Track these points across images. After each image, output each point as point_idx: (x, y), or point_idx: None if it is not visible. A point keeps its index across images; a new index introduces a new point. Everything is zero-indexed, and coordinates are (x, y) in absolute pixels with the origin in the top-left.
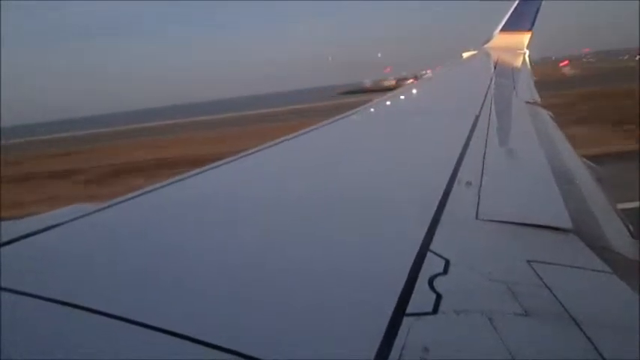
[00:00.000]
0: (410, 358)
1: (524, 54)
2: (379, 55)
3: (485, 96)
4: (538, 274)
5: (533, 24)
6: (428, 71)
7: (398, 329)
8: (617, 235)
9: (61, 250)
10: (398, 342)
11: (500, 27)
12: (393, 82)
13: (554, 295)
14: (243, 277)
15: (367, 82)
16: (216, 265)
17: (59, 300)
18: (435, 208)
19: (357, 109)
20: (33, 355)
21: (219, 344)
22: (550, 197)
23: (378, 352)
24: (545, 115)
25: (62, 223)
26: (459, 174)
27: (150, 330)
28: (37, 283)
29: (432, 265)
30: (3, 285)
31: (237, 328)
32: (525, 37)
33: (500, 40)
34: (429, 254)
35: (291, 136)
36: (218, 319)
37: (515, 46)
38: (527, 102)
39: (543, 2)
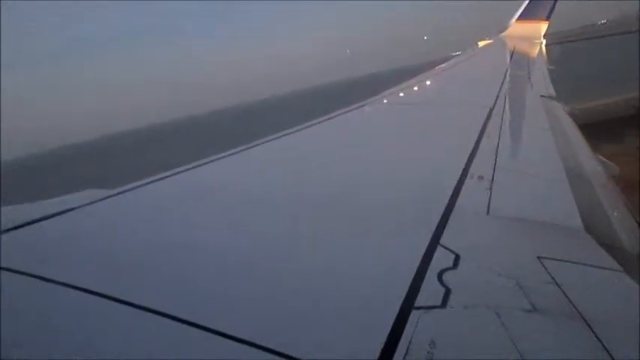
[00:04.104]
0: (417, 351)
1: (541, 43)
2: (425, 38)
3: (500, 88)
4: (548, 271)
5: (551, 13)
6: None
7: (406, 322)
8: (628, 233)
9: (74, 234)
10: (406, 334)
11: (517, 15)
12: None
13: (564, 292)
14: (255, 267)
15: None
16: (231, 254)
17: (71, 284)
18: (446, 202)
19: (369, 99)
20: (44, 337)
21: (230, 333)
22: (562, 195)
23: (386, 344)
24: (560, 109)
25: (76, 208)
26: (472, 168)
27: (164, 318)
28: (50, 266)
29: (441, 259)
30: (18, 267)
31: (248, 316)
32: (542, 27)
33: (517, 29)
34: (439, 248)
35: (303, 126)
36: (230, 306)
37: (531, 36)
38: (542, 96)
39: None
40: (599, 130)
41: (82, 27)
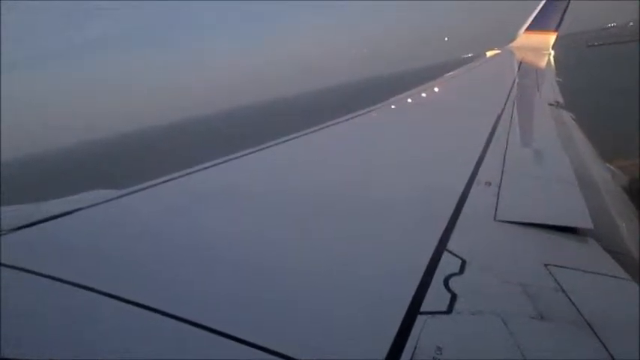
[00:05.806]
0: (423, 356)
1: (549, 54)
2: (446, 39)
3: (508, 96)
4: (555, 278)
5: (559, 24)
6: None
7: (411, 327)
8: (637, 241)
9: (83, 234)
10: (411, 339)
11: (525, 26)
12: None
13: (570, 300)
14: (262, 270)
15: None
16: (238, 256)
17: (76, 283)
18: (453, 208)
19: (378, 105)
20: (48, 336)
21: (237, 335)
22: (570, 200)
23: (392, 349)
24: (567, 117)
25: (83, 208)
26: (479, 174)
27: (166, 317)
28: (57, 265)
29: (448, 264)
30: (25, 266)
31: (255, 318)
32: (551, 38)
33: (525, 39)
34: (445, 253)
35: (310, 130)
36: (236, 310)
37: (540, 47)
38: (550, 104)
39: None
40: None
41: (87, 26)
